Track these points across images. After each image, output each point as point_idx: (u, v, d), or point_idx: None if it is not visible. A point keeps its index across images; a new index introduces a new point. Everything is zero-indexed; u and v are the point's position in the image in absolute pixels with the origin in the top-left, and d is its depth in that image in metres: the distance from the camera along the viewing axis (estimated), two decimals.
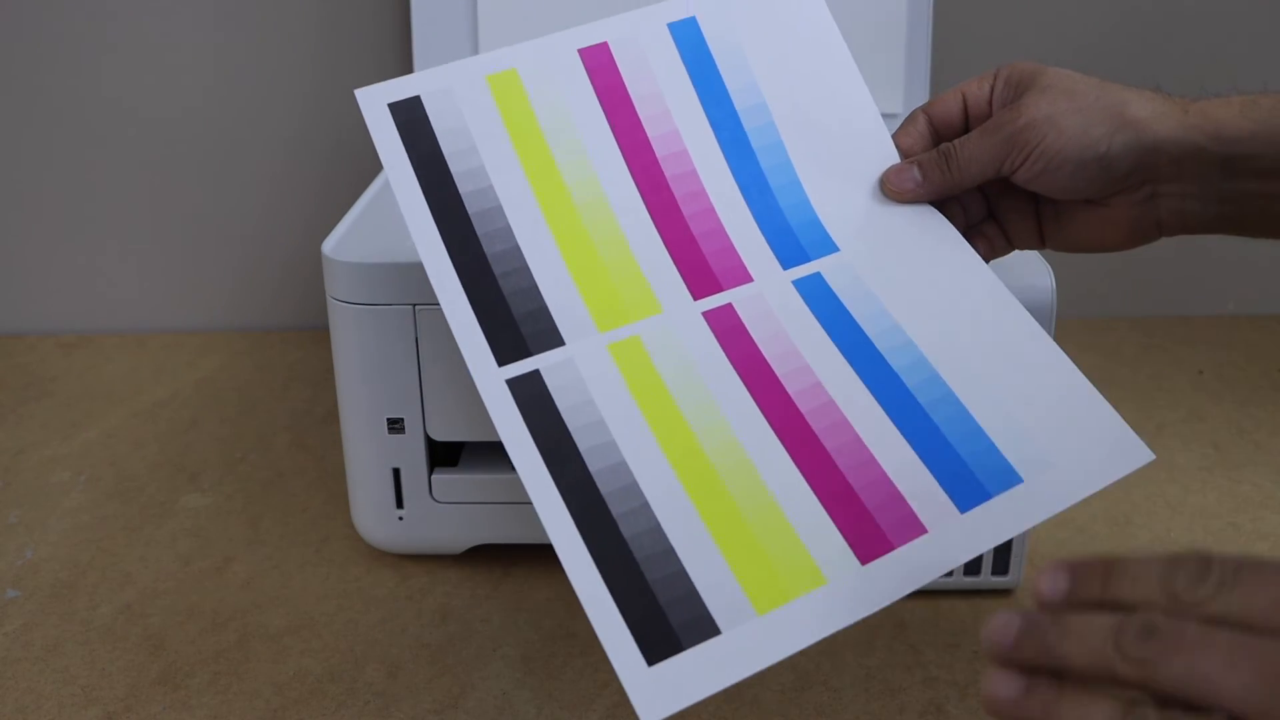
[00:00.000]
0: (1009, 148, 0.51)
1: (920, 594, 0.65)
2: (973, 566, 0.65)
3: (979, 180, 0.53)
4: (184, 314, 1.04)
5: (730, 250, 0.52)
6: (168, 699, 0.58)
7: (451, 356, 0.62)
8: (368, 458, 0.66)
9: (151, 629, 0.64)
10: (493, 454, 0.69)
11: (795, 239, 0.53)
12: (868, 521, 0.46)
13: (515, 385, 0.47)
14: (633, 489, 0.45)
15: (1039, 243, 0.56)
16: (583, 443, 0.46)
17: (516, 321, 0.49)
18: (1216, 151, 0.49)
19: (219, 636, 0.63)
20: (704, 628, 0.42)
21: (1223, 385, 0.92)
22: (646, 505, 0.45)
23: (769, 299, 0.51)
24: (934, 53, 0.87)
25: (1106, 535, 0.72)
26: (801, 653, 0.61)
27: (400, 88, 0.53)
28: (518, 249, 0.50)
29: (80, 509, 0.76)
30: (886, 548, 0.45)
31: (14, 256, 1.02)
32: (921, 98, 0.86)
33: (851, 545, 0.45)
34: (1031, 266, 0.60)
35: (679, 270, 0.52)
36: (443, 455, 0.68)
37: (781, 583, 0.44)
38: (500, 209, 0.51)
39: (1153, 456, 0.49)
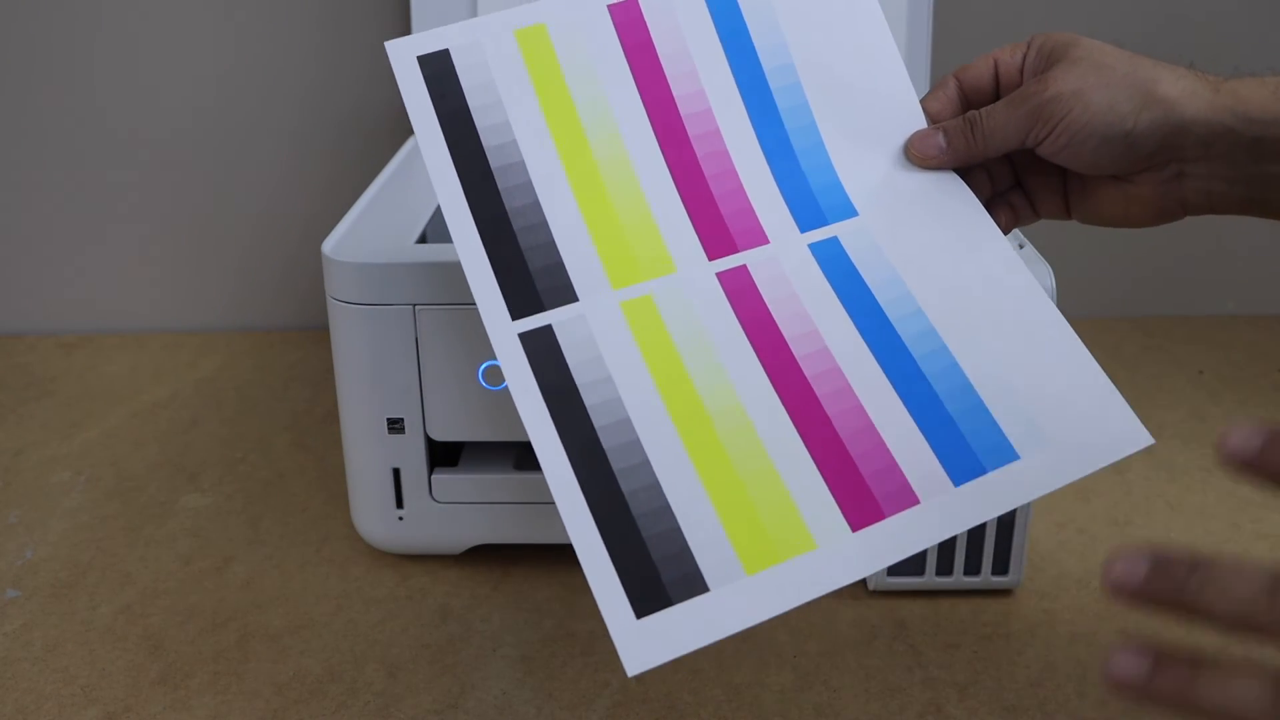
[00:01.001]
0: (1034, 120, 0.51)
1: (920, 594, 0.66)
2: (973, 566, 0.65)
3: (1003, 150, 0.53)
4: (184, 314, 1.04)
5: (749, 211, 0.52)
6: (168, 699, 0.58)
7: (452, 356, 0.62)
8: (368, 458, 0.66)
9: (151, 629, 0.64)
10: (493, 454, 0.69)
11: (815, 202, 0.53)
12: (862, 489, 0.46)
13: (527, 339, 0.48)
14: (634, 445, 0.46)
15: (1065, 214, 0.56)
16: (589, 398, 0.47)
17: (532, 276, 0.49)
18: (1245, 133, 0.48)
19: (219, 636, 0.63)
20: (693, 585, 0.43)
21: (1223, 385, 0.92)
22: (647, 462, 0.46)
23: (783, 262, 0.51)
24: (934, 53, 0.87)
25: (1107, 535, 0.72)
26: (801, 653, 0.61)
27: (429, 41, 0.53)
28: (537, 204, 0.51)
29: (80, 509, 0.76)
30: (878, 516, 0.46)
31: (14, 256, 1.02)
32: (921, 89, 0.85)
33: (844, 512, 0.46)
34: (1032, 266, 0.60)
35: (696, 230, 0.52)
36: (443, 455, 0.68)
37: (772, 545, 0.45)
38: (522, 164, 0.51)
39: (1152, 441, 0.49)
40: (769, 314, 0.50)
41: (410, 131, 0.94)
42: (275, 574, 0.69)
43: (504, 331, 0.48)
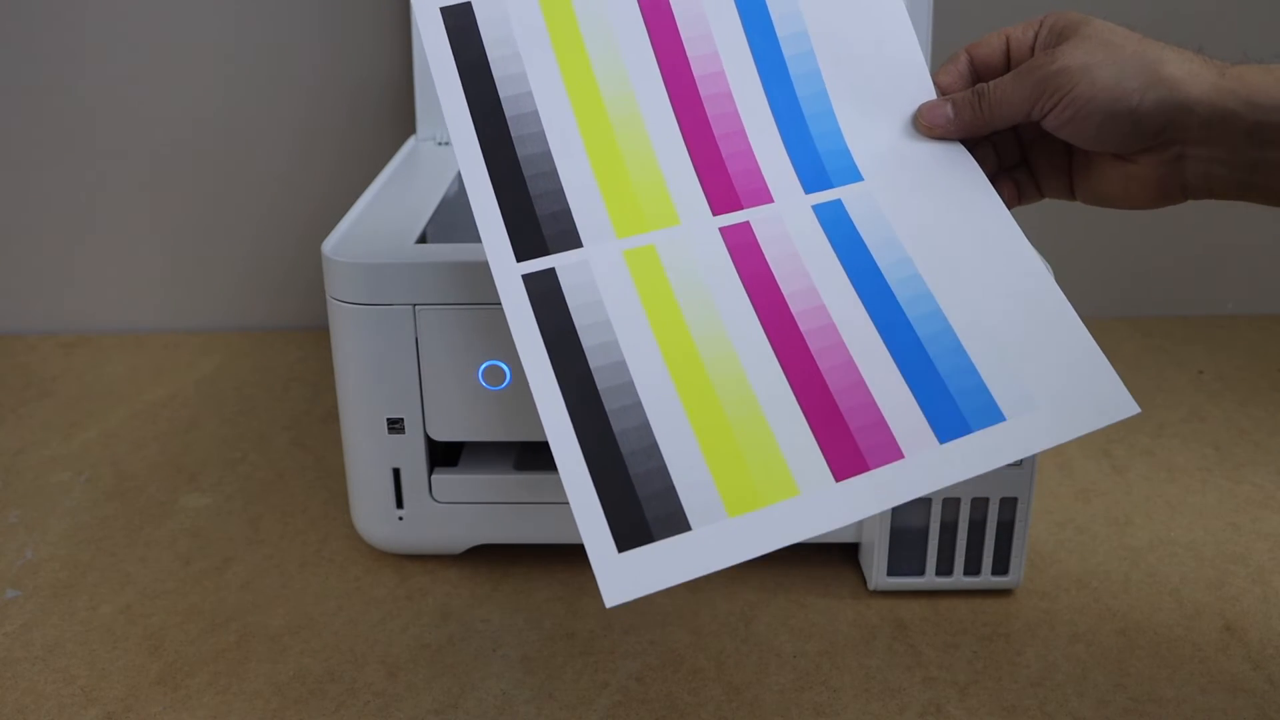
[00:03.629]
0: (1040, 91, 0.51)
1: (920, 594, 0.66)
2: (973, 566, 0.65)
3: (1009, 122, 0.54)
4: (184, 314, 1.04)
5: (755, 171, 0.53)
6: (167, 699, 0.58)
7: (452, 356, 0.62)
8: (368, 458, 0.66)
9: (151, 629, 0.64)
10: (493, 454, 0.69)
11: (821, 165, 0.54)
12: (848, 441, 0.47)
13: (530, 280, 0.49)
14: (628, 387, 0.47)
15: (1069, 194, 0.57)
16: (587, 340, 0.48)
17: (539, 221, 0.51)
18: (1247, 117, 0.49)
19: (219, 636, 0.63)
20: (676, 523, 0.45)
21: (1223, 385, 0.92)
22: (639, 403, 0.47)
23: (786, 221, 0.53)
24: (934, 51, 0.87)
25: (1106, 535, 0.72)
26: (801, 653, 0.61)
27: None
28: (548, 153, 0.52)
29: (80, 509, 0.76)
30: (862, 468, 0.47)
31: (14, 256, 1.02)
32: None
33: (828, 461, 0.47)
34: None
35: (702, 185, 0.53)
36: (443, 455, 0.68)
37: (756, 489, 0.46)
38: (536, 114, 0.53)
39: (1137, 410, 0.49)
40: (768, 269, 0.51)
41: (410, 132, 0.94)
42: (275, 574, 0.69)
43: (508, 272, 0.50)
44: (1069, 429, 0.48)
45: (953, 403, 0.49)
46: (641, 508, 0.45)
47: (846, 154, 0.55)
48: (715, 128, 0.54)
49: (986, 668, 0.60)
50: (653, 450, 0.46)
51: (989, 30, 0.56)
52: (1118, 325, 1.03)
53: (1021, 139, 0.57)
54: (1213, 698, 0.58)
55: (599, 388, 0.47)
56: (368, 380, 0.64)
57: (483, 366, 0.63)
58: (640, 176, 0.52)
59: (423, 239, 0.65)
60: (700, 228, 0.52)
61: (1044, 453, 0.81)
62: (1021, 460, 0.62)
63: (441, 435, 0.65)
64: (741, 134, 0.54)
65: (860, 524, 0.66)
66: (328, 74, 0.97)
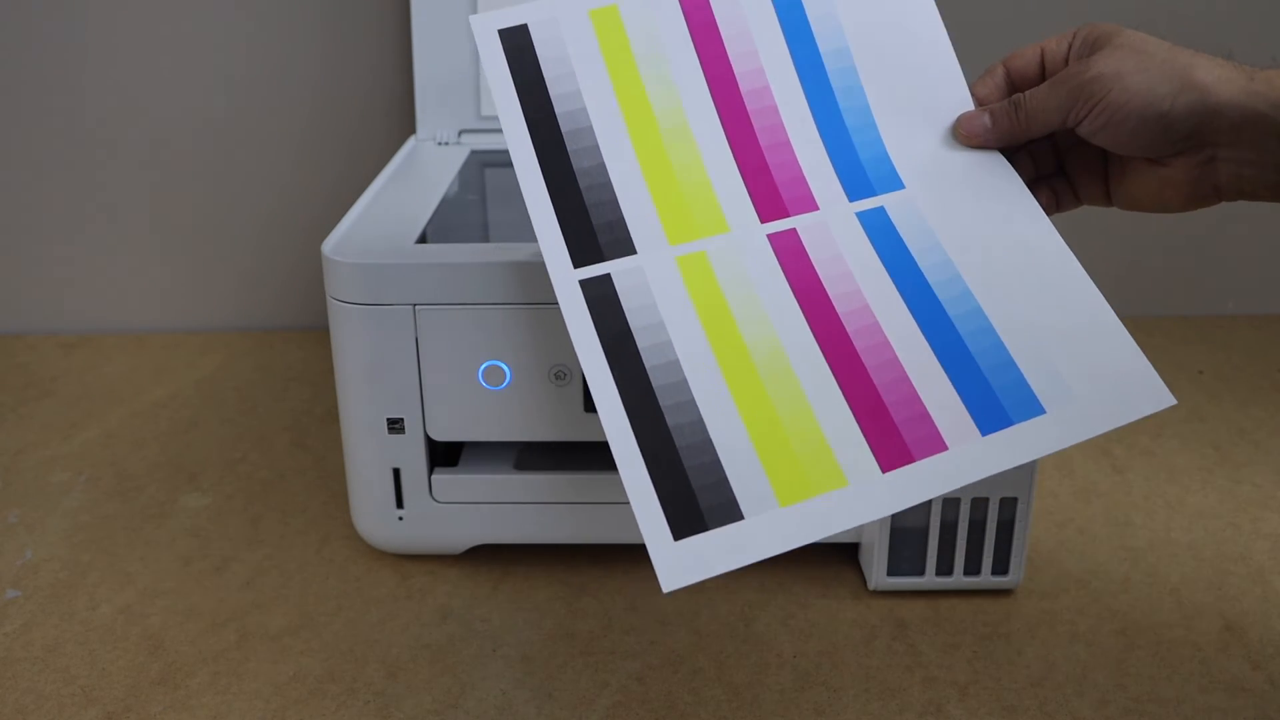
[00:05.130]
0: (1075, 99, 0.53)
1: (920, 594, 0.66)
2: (973, 566, 0.65)
3: (1045, 130, 0.55)
4: (184, 314, 1.04)
5: (800, 180, 0.56)
6: (167, 699, 0.58)
7: (452, 356, 0.62)
8: (368, 458, 0.66)
9: (151, 629, 0.64)
10: (493, 454, 0.69)
11: (864, 173, 0.56)
12: (893, 434, 0.49)
13: (587, 285, 0.52)
14: (681, 385, 0.50)
15: (1105, 200, 0.58)
16: (642, 340, 0.50)
17: (595, 230, 0.53)
18: (1276, 119, 0.50)
19: (219, 636, 0.63)
20: (729, 512, 0.47)
21: (1223, 385, 0.92)
22: (692, 401, 0.49)
23: (831, 227, 0.55)
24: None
25: (1106, 535, 0.72)
26: (801, 653, 0.61)
27: (509, 16, 0.57)
28: (603, 165, 0.54)
29: (80, 509, 0.76)
30: (908, 459, 0.49)
31: (14, 256, 1.02)
32: None
33: (875, 453, 0.49)
34: None
35: (750, 194, 0.55)
36: (443, 455, 0.68)
37: (806, 480, 0.48)
38: (590, 129, 0.55)
39: (1174, 401, 0.51)
40: (815, 274, 0.53)
41: (410, 132, 0.94)
42: (275, 574, 0.69)
43: (566, 278, 0.52)
44: (1107, 420, 0.50)
45: (994, 396, 0.50)
46: (696, 498, 0.47)
47: (888, 162, 0.57)
48: (761, 139, 0.56)
49: (986, 668, 0.60)
50: (706, 444, 0.48)
51: (996, 49, 0.57)
52: None
53: (1058, 147, 0.58)
54: (1213, 697, 0.58)
55: (654, 385, 0.49)
56: (368, 380, 0.64)
57: (483, 366, 0.63)
58: (690, 186, 0.55)
59: (423, 239, 0.65)
60: (749, 235, 0.54)
61: None
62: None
63: (441, 435, 0.65)
64: (787, 145, 0.56)
65: (860, 524, 0.66)
66: (328, 74, 0.97)
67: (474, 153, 0.84)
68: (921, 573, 0.65)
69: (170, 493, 0.78)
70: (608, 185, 0.54)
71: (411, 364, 0.63)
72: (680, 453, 0.48)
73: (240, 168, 1.00)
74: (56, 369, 0.97)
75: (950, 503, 0.63)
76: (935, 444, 0.49)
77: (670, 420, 0.49)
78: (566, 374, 0.63)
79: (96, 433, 0.86)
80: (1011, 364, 0.51)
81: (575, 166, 0.54)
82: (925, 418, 0.50)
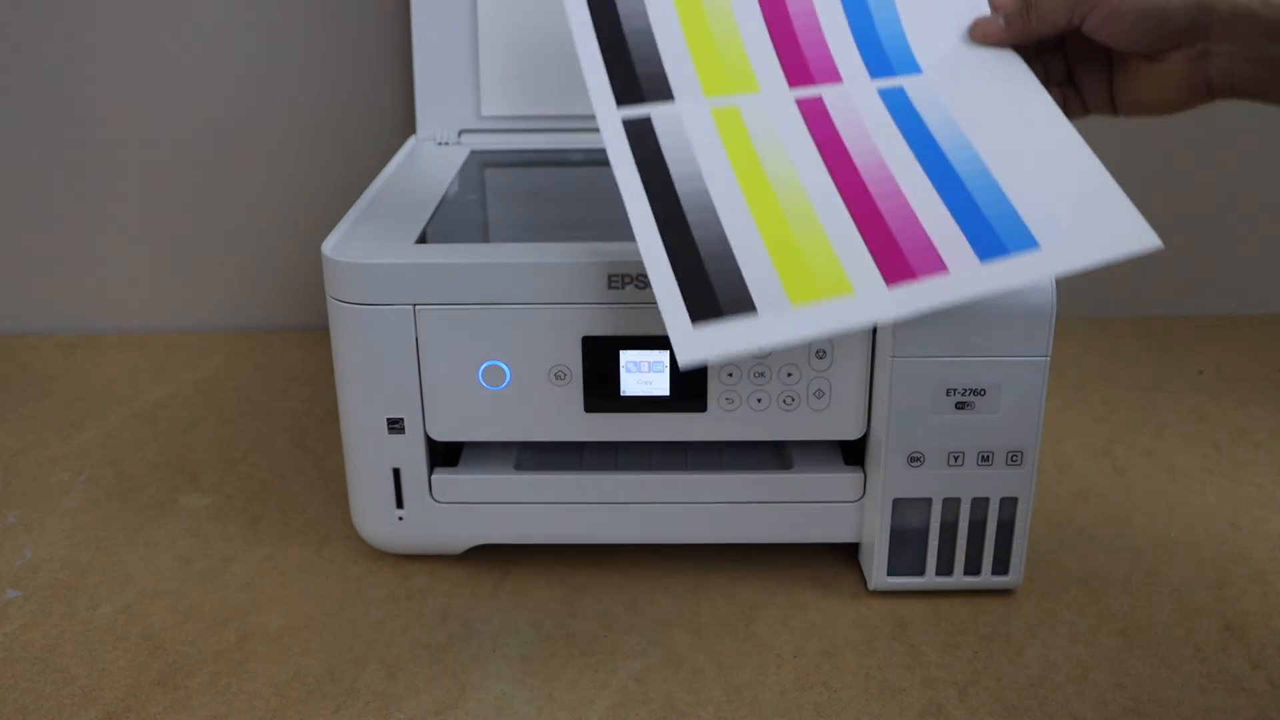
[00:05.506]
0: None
1: (920, 594, 0.66)
2: (973, 566, 0.65)
3: (1055, 29, 0.60)
4: (184, 314, 1.04)
5: (826, 54, 0.61)
6: (167, 699, 0.58)
7: (452, 356, 0.62)
8: (368, 458, 0.66)
9: (151, 629, 0.64)
10: (493, 454, 0.69)
11: (886, 57, 0.62)
12: (898, 254, 0.55)
13: (629, 125, 0.57)
14: (706, 200, 0.55)
15: (1110, 107, 0.63)
16: (675, 169, 0.56)
17: (638, 76, 0.58)
18: (1266, 15, 0.54)
19: (219, 637, 0.63)
20: (744, 305, 0.52)
21: (1223, 385, 0.92)
22: (716, 216, 0.54)
23: (855, 98, 0.60)
24: None
25: (1106, 535, 0.72)
26: (802, 653, 0.61)
27: None
28: (647, 20, 0.59)
29: (80, 509, 0.76)
30: (910, 276, 0.54)
31: (14, 256, 1.02)
32: None
33: (881, 269, 0.54)
34: None
35: (779, 59, 0.60)
36: (443, 455, 0.68)
37: (816, 285, 0.53)
38: None
39: (1159, 244, 0.55)
40: (837, 133, 0.59)
41: (410, 132, 0.94)
42: (275, 574, 0.69)
43: (610, 114, 0.57)
44: (1094, 255, 0.56)
45: (992, 230, 0.56)
46: (714, 290, 0.52)
47: (908, 49, 0.63)
48: (790, 7, 0.62)
49: (987, 668, 0.60)
50: (726, 250, 0.53)
51: None
52: (1118, 325, 1.03)
53: (1067, 56, 0.63)
54: (1213, 698, 0.58)
55: (680, 197, 0.55)
56: (368, 380, 0.64)
57: (483, 366, 0.63)
58: (724, 44, 0.60)
59: (423, 239, 0.65)
60: (778, 96, 0.59)
61: (1044, 453, 0.81)
62: (1022, 460, 0.62)
63: (441, 435, 0.65)
64: (814, 17, 0.62)
65: (860, 524, 0.66)
66: (329, 75, 0.97)
67: (474, 153, 0.84)
68: (922, 573, 0.65)
69: (170, 493, 0.78)
70: (650, 37, 0.59)
71: (411, 364, 0.63)
72: (701, 251, 0.53)
73: (240, 168, 1.00)
74: (56, 369, 0.97)
75: (950, 503, 0.63)
76: (937, 266, 0.54)
77: (694, 226, 0.54)
78: (566, 374, 0.63)
79: (96, 433, 0.86)
80: (1008, 204, 0.57)
81: (624, 26, 0.59)
82: (929, 244, 0.55)
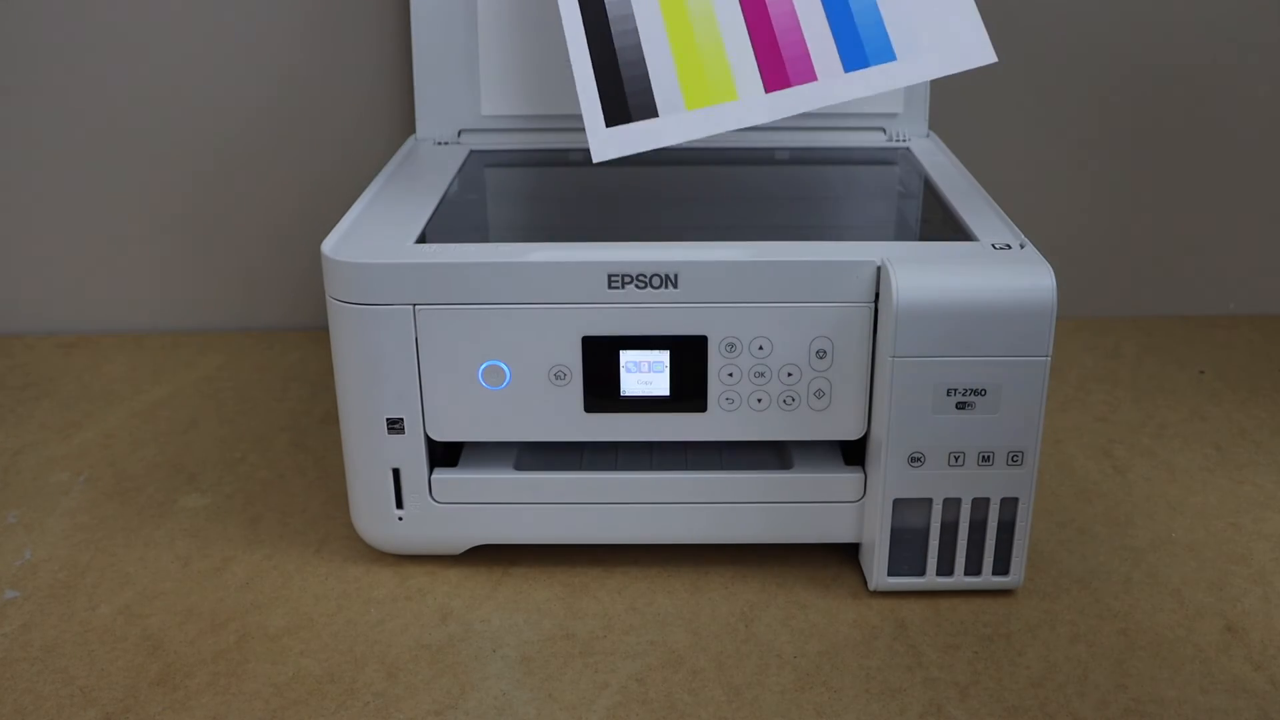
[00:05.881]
0: None
1: (920, 594, 0.66)
2: (973, 567, 0.65)
3: None
4: (184, 314, 1.04)
5: None
6: (167, 700, 0.58)
7: (452, 356, 0.62)
8: (367, 458, 0.66)
9: (150, 629, 0.64)
10: (493, 454, 0.69)
11: None
12: (779, 64, 0.66)
13: None
14: (629, 15, 0.67)
15: None
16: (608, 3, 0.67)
17: None
18: None
19: (218, 637, 0.63)
20: (649, 109, 0.65)
21: (1223, 385, 0.92)
22: (636, 31, 0.67)
23: None
24: None
25: (1107, 535, 0.72)
26: (801, 653, 0.61)
27: None
28: None
29: (79, 509, 0.76)
30: (786, 84, 0.66)
31: (14, 256, 1.02)
32: (921, 98, 0.86)
33: (763, 76, 0.66)
34: (1032, 266, 0.60)
35: None
36: (443, 455, 0.68)
37: (708, 92, 0.65)
38: None
39: (994, 59, 0.66)
40: None
41: (410, 132, 0.94)
42: (274, 574, 0.69)
43: None
44: (939, 68, 0.66)
45: (859, 42, 0.67)
46: (626, 99, 0.65)
47: None
48: None
49: (987, 668, 0.60)
50: (640, 62, 0.66)
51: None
52: (1118, 325, 1.03)
53: None
54: (1214, 698, 0.58)
55: (609, 13, 0.67)
56: (367, 380, 0.63)
57: (483, 366, 0.63)
58: None
59: (423, 239, 0.65)
60: None
61: (1044, 453, 0.81)
62: (1023, 460, 0.62)
63: (441, 435, 0.65)
64: None
65: (861, 524, 0.66)
66: (328, 74, 0.97)
67: (474, 153, 0.84)
68: (922, 573, 0.65)
69: (169, 493, 0.78)
70: None
71: (411, 364, 0.63)
72: (620, 61, 0.65)
73: (240, 167, 1.00)
74: (55, 369, 0.97)
75: (951, 503, 0.63)
76: (809, 74, 0.66)
77: (615, 37, 0.66)
78: (566, 374, 0.63)
79: (95, 433, 0.86)
80: (878, 18, 0.67)
81: None
82: (805, 56, 0.66)
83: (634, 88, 0.65)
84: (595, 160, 0.62)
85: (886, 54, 0.66)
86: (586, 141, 0.85)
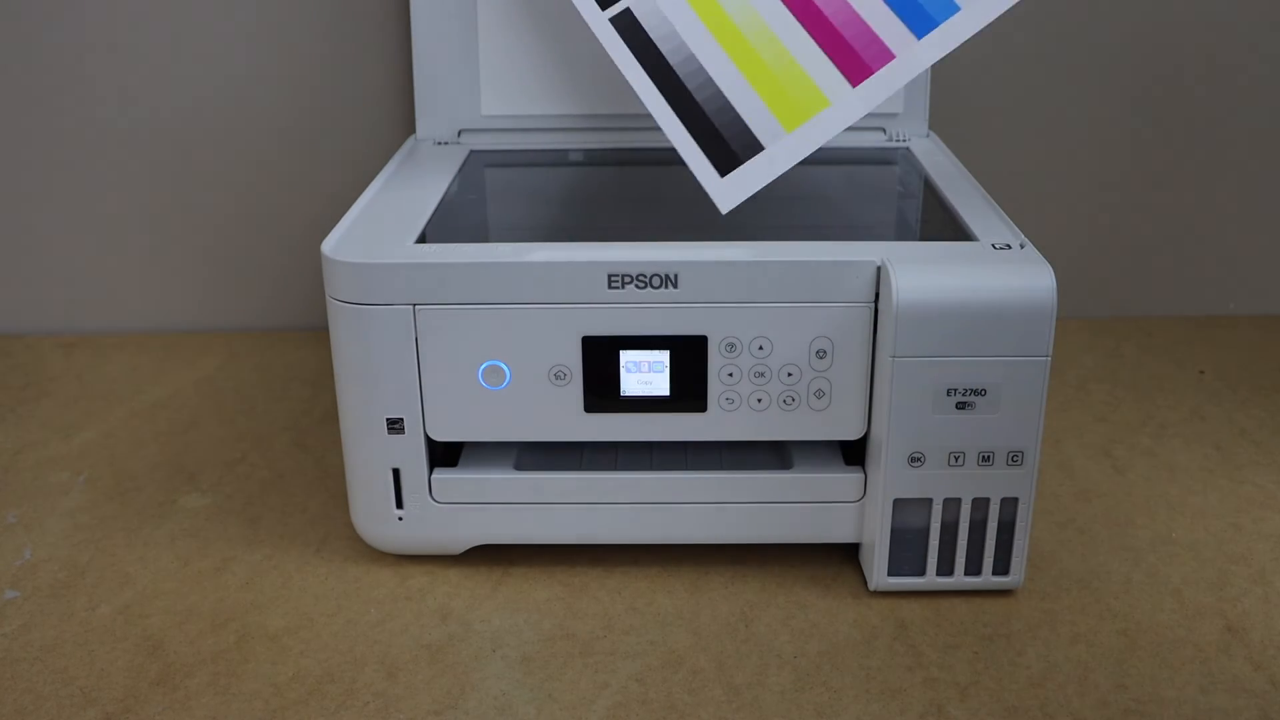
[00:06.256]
0: None
1: (921, 594, 0.66)
2: (973, 567, 0.65)
3: None
4: (184, 314, 1.04)
5: None
6: (166, 700, 0.58)
7: (452, 356, 0.62)
8: (367, 458, 0.66)
9: (150, 629, 0.64)
10: (493, 454, 0.69)
11: None
12: (854, 55, 0.66)
13: (615, 20, 0.70)
14: (699, 68, 0.67)
15: None
16: (663, 46, 0.68)
17: None
18: None
19: (218, 637, 0.63)
20: (753, 146, 0.65)
21: (1223, 385, 0.92)
22: (710, 78, 0.67)
23: None
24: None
25: (1107, 535, 0.72)
26: (801, 653, 0.61)
27: None
28: None
29: (79, 509, 0.76)
30: (868, 72, 0.66)
31: (14, 256, 1.02)
32: (921, 98, 0.86)
33: (845, 74, 0.66)
34: (1032, 266, 0.60)
35: None
36: (442, 455, 0.68)
37: (801, 108, 0.65)
38: None
39: None
40: None
41: (410, 132, 0.94)
42: (274, 574, 0.69)
43: (598, 18, 0.70)
44: (1001, 5, 0.66)
45: (920, 7, 0.67)
46: (728, 144, 0.65)
47: None
48: None
49: (987, 668, 0.60)
50: (727, 106, 0.66)
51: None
52: (1118, 325, 1.03)
53: None
54: (1214, 698, 0.58)
55: (676, 70, 0.67)
56: (368, 380, 0.63)
57: (483, 366, 0.63)
58: None
59: (423, 239, 0.65)
60: None
61: (1044, 453, 0.81)
62: (1023, 460, 0.62)
63: (441, 435, 0.65)
64: None
65: (861, 524, 0.66)
66: (328, 74, 0.97)
67: (474, 152, 0.84)
68: (922, 573, 0.65)
69: (169, 493, 0.78)
70: None
71: (411, 364, 0.63)
72: (709, 115, 0.65)
73: (240, 167, 1.00)
74: (56, 369, 0.97)
75: (951, 503, 0.63)
76: (885, 55, 0.66)
77: (694, 91, 0.66)
78: (566, 374, 0.63)
79: (95, 433, 0.86)
80: None
81: None
82: (874, 37, 0.66)
83: (730, 132, 0.65)
84: (725, 211, 0.63)
85: (950, 7, 0.66)
86: (587, 142, 0.86)
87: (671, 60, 0.68)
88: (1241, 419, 0.87)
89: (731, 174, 0.64)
